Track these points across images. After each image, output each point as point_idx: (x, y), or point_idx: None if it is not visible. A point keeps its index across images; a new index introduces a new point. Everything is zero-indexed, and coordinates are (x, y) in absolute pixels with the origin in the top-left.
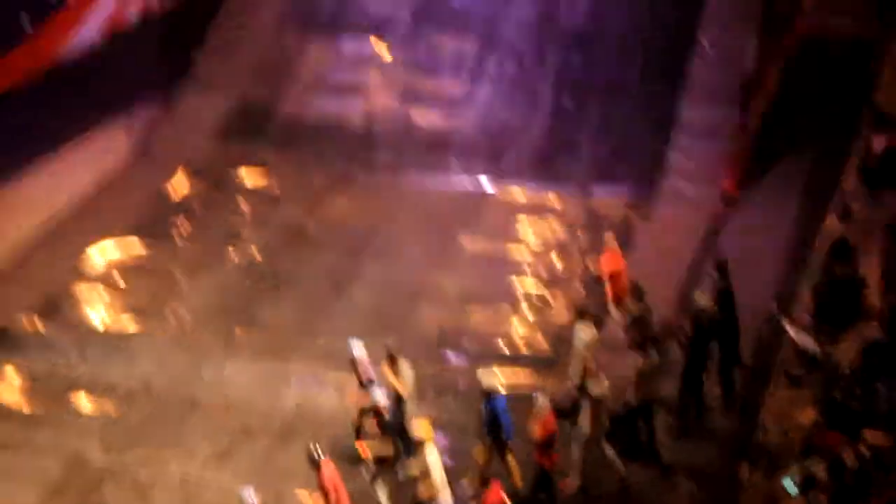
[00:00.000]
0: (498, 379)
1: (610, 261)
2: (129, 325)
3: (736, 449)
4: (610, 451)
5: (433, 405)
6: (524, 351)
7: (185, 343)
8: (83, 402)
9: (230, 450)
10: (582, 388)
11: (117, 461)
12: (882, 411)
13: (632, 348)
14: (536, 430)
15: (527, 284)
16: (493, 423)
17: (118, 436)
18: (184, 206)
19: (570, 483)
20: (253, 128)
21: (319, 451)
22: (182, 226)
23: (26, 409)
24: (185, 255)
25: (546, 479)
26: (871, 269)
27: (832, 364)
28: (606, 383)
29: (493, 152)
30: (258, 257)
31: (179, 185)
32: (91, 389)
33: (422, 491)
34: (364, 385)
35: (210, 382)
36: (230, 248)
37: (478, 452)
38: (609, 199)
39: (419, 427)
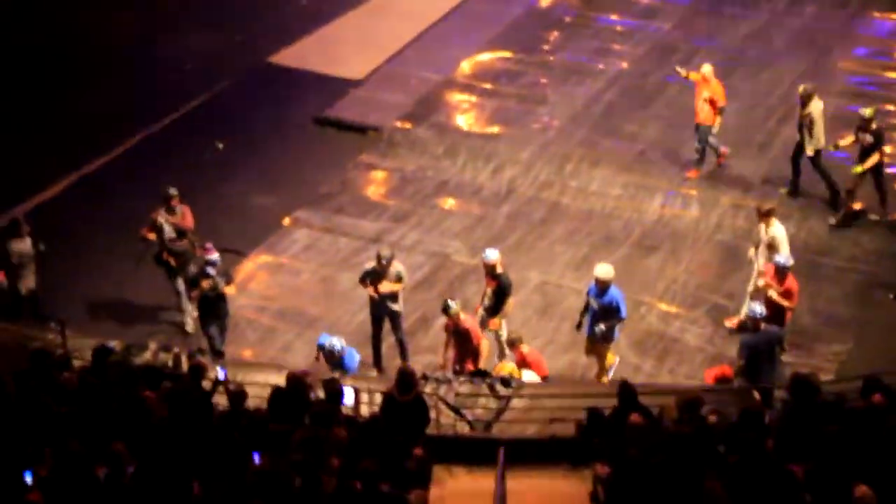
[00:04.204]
0: None
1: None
2: (496, 131)
3: None
4: None
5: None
6: None
7: (552, 150)
8: (449, 202)
9: (589, 256)
10: None
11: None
12: None
13: None
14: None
15: None
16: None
17: (481, 237)
18: (555, 19)
19: None
20: None
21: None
22: (553, 38)
23: (397, 207)
24: (553, 66)
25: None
26: None
27: None
28: None
29: None
30: (627, 71)
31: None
32: (457, 191)
33: None
34: None
35: (574, 189)
36: (599, 62)
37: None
38: None
39: None
